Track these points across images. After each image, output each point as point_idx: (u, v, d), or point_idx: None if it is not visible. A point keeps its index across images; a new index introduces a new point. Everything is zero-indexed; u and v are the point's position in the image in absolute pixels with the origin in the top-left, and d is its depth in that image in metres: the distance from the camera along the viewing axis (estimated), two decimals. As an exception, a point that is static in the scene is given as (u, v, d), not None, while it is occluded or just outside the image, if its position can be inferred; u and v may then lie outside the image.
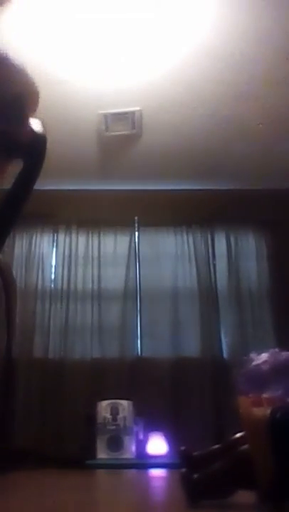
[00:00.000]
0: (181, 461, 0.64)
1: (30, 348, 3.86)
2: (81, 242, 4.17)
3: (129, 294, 3.97)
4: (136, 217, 4.18)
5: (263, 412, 0.60)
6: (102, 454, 3.33)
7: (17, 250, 4.16)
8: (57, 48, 2.83)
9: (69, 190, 4.17)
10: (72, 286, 4.02)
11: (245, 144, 3.68)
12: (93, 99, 3.22)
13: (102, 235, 4.17)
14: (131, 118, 3.39)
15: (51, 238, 4.21)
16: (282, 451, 0.57)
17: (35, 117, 1.06)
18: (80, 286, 4.03)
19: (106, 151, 3.77)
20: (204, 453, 0.67)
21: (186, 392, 3.68)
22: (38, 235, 4.19)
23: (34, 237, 4.17)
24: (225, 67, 2.98)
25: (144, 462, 3.28)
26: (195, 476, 0.60)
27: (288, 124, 3.48)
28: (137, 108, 3.31)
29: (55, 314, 3.96)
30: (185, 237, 4.17)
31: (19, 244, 4.17)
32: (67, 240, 4.17)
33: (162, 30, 2.72)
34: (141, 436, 3.48)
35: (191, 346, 3.86)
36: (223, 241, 4.20)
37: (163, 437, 3.45)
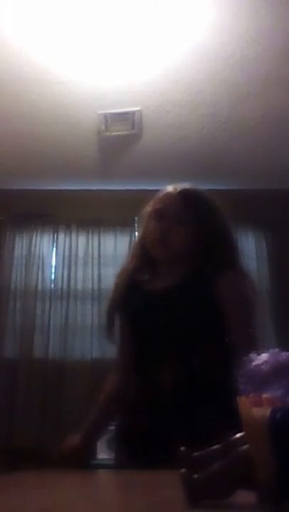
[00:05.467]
0: (181, 462, 0.64)
1: (30, 348, 3.86)
2: (81, 242, 4.17)
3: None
4: (136, 217, 4.17)
5: (263, 412, 0.60)
6: (103, 453, 3.33)
7: (17, 250, 4.16)
8: (57, 48, 2.83)
9: (69, 190, 4.17)
10: (72, 286, 4.02)
11: (245, 144, 3.68)
12: (93, 99, 3.22)
13: (102, 235, 4.17)
14: (131, 118, 3.39)
15: (51, 238, 4.22)
16: (282, 451, 0.57)
17: None
18: (80, 286, 4.03)
19: (106, 151, 3.77)
20: (204, 453, 0.67)
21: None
22: (38, 235, 4.19)
23: (34, 237, 4.18)
24: (225, 67, 2.98)
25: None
26: (195, 476, 0.60)
27: (288, 124, 3.48)
28: (137, 108, 3.31)
29: (55, 314, 3.96)
30: (185, 237, 4.17)
31: (19, 244, 4.18)
32: (67, 239, 4.17)
33: (162, 30, 2.72)
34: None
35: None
36: (223, 241, 4.19)
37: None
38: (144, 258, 1.54)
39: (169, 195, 1.53)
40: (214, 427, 1.18)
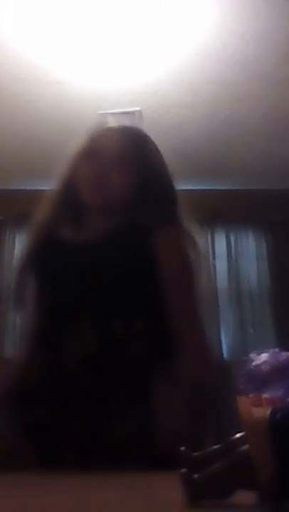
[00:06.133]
0: (181, 462, 0.64)
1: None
2: (81, 242, 4.16)
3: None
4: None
5: (263, 412, 0.60)
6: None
7: (17, 250, 4.16)
8: (56, 48, 2.83)
9: (69, 190, 4.17)
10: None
11: (245, 144, 3.68)
12: (93, 99, 3.22)
13: (102, 235, 4.16)
14: (131, 118, 3.39)
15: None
16: (282, 451, 0.57)
17: None
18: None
19: (106, 151, 3.77)
20: (204, 453, 0.67)
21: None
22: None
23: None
24: (225, 67, 2.98)
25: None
26: (195, 476, 0.60)
27: (288, 124, 3.48)
28: (137, 108, 3.31)
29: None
30: (185, 237, 4.17)
31: (19, 244, 4.18)
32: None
33: (162, 31, 2.72)
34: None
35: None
36: (223, 241, 4.20)
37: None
38: (68, 206, 1.26)
39: (109, 131, 1.28)
40: (129, 415, 1.00)
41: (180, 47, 2.83)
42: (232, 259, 4.15)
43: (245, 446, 0.62)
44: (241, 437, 0.65)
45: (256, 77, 3.06)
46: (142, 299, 1.12)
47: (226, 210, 4.12)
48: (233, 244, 4.19)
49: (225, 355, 3.87)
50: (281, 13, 2.62)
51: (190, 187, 4.32)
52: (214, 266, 4.10)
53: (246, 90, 3.17)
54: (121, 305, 1.11)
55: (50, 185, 1.35)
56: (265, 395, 0.68)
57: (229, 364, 3.65)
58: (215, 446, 0.69)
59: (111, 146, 1.23)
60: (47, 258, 1.21)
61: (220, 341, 3.90)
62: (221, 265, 4.12)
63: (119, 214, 1.20)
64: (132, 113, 3.35)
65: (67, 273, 1.15)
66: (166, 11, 2.60)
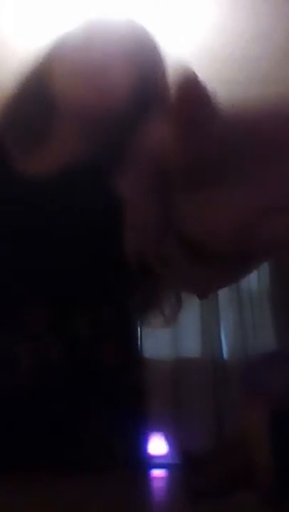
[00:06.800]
0: (181, 462, 0.63)
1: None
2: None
3: (129, 294, 3.96)
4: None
5: (262, 412, 0.60)
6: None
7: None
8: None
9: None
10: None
11: (245, 144, 3.68)
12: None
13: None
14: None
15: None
16: (282, 451, 0.57)
17: None
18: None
19: (106, 151, 3.77)
20: (204, 453, 0.67)
21: (185, 392, 3.68)
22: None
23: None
24: (224, 67, 2.98)
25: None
26: (195, 476, 0.60)
27: (288, 124, 3.48)
28: (137, 108, 3.31)
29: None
30: (185, 237, 4.17)
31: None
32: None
33: (161, 30, 2.72)
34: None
35: (191, 347, 3.86)
36: (223, 241, 4.20)
37: (163, 437, 3.45)
38: (30, 113, 0.87)
39: (110, 20, 0.95)
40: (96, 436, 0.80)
41: (180, 46, 2.83)
42: (232, 259, 4.15)
43: (245, 447, 0.62)
44: (241, 437, 0.65)
45: (256, 77, 3.06)
46: (111, 278, 0.76)
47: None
48: (233, 244, 4.19)
49: (225, 355, 3.87)
50: (281, 13, 2.62)
51: (190, 187, 4.32)
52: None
53: (246, 90, 3.17)
54: (82, 290, 0.75)
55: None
56: (265, 395, 0.69)
57: (229, 364, 3.65)
58: (215, 446, 0.69)
59: (111, 35, 0.87)
60: None
61: (220, 341, 3.90)
62: (221, 265, 4.11)
63: (103, 128, 0.82)
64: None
65: (15, 226, 0.77)
66: (165, 11, 2.60)
